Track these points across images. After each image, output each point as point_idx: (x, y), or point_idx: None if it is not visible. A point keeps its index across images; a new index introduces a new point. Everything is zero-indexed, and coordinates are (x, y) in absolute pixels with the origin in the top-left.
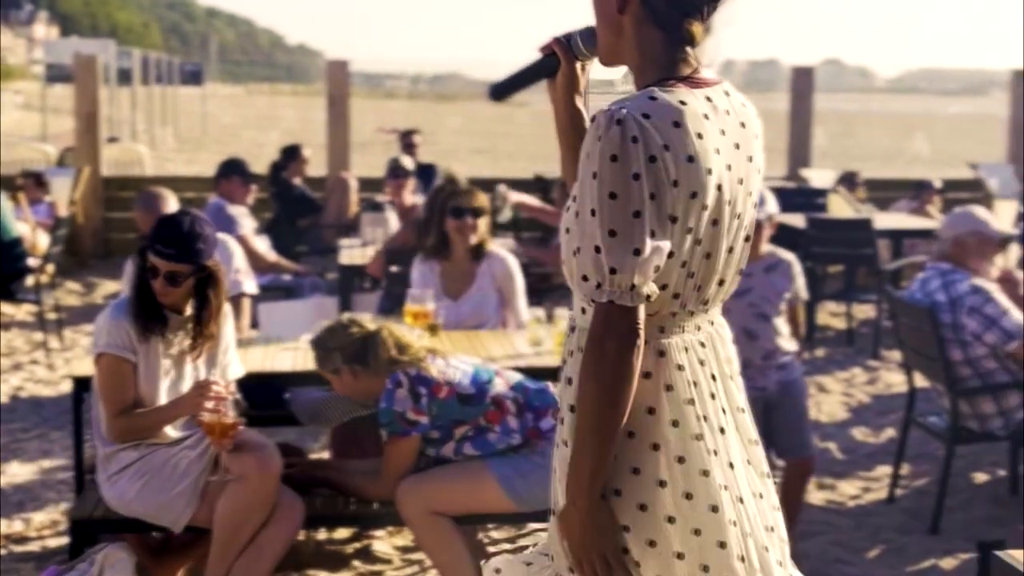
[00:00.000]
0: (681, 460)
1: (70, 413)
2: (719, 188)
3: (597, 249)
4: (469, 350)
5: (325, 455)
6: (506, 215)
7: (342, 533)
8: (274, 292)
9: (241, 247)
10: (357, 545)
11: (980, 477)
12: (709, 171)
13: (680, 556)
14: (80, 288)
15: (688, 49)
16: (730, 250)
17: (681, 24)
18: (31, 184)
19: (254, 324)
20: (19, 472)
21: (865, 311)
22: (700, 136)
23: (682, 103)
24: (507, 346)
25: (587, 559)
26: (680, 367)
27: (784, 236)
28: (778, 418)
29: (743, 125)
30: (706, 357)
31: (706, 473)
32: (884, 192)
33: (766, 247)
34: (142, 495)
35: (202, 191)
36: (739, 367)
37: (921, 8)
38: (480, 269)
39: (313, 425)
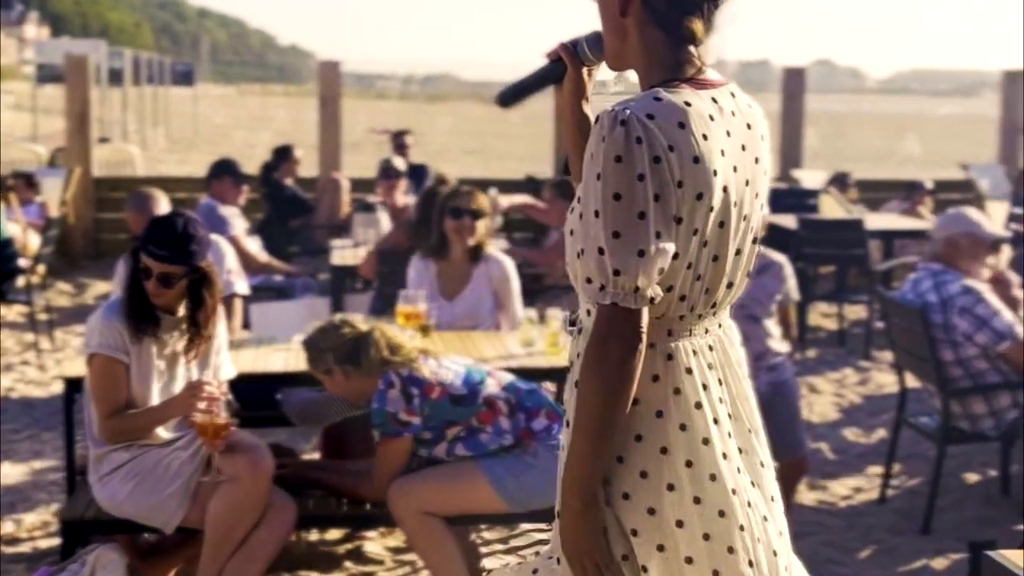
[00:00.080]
0: (690, 464)
1: (61, 414)
2: (725, 190)
3: (601, 251)
4: (461, 351)
5: (316, 456)
6: (497, 222)
7: (334, 534)
8: (266, 293)
9: (233, 248)
10: (349, 546)
11: (971, 477)
12: (714, 172)
13: (689, 560)
14: (71, 289)
15: (692, 49)
16: (738, 252)
17: (681, 23)
18: (22, 185)
19: (246, 325)
20: (10, 473)
21: (856, 312)
22: (705, 137)
23: (687, 104)
24: (499, 347)
25: (578, 561)
26: (689, 370)
27: (775, 237)
28: (770, 419)
29: (749, 126)
30: (715, 360)
31: (715, 477)
32: (875, 193)
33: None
34: (134, 496)
35: (193, 192)
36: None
37: (913, 9)
38: (477, 271)
39: (305, 425)
